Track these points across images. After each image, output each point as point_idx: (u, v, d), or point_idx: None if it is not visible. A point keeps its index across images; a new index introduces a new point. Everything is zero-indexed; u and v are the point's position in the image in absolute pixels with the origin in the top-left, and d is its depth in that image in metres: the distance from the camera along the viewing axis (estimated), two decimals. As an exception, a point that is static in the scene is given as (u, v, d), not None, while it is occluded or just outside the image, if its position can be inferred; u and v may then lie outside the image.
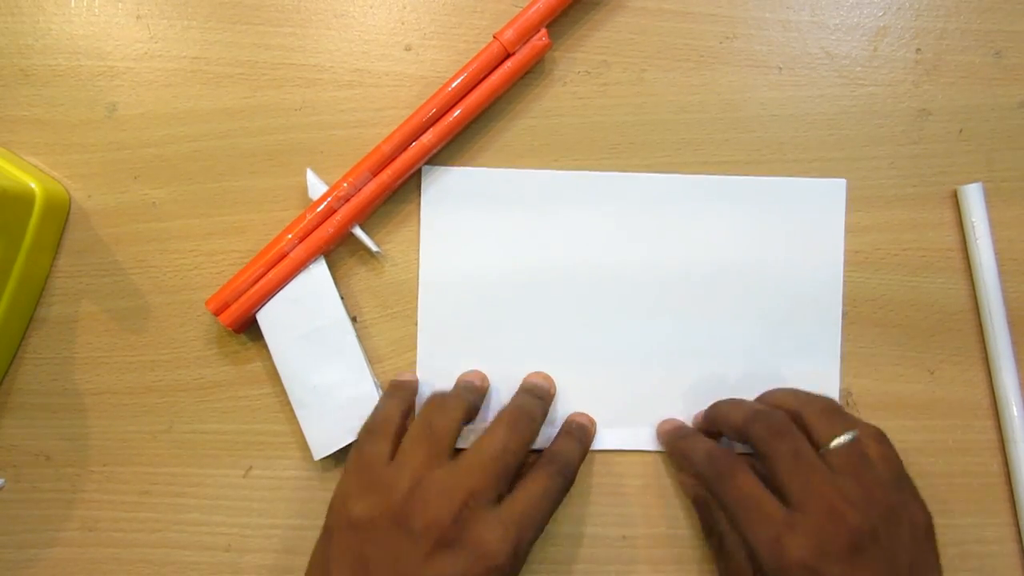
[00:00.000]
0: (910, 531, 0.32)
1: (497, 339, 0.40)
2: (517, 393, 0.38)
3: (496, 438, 0.34)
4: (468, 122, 0.38)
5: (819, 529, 0.31)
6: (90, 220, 0.40)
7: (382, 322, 0.40)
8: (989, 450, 0.40)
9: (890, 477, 0.33)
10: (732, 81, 0.40)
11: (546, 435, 0.38)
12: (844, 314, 0.40)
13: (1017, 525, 0.39)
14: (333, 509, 0.34)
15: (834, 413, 0.35)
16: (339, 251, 0.40)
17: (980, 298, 0.40)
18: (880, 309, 0.40)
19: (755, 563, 0.33)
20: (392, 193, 0.39)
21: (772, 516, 0.32)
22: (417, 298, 0.40)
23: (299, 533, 0.39)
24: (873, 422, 0.35)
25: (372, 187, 0.38)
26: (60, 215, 0.39)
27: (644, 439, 0.40)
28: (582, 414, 0.39)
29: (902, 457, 0.34)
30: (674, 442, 0.38)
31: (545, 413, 0.37)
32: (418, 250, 0.40)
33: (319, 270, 0.38)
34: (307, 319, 0.38)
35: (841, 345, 0.40)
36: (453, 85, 0.37)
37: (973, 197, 0.39)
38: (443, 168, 0.39)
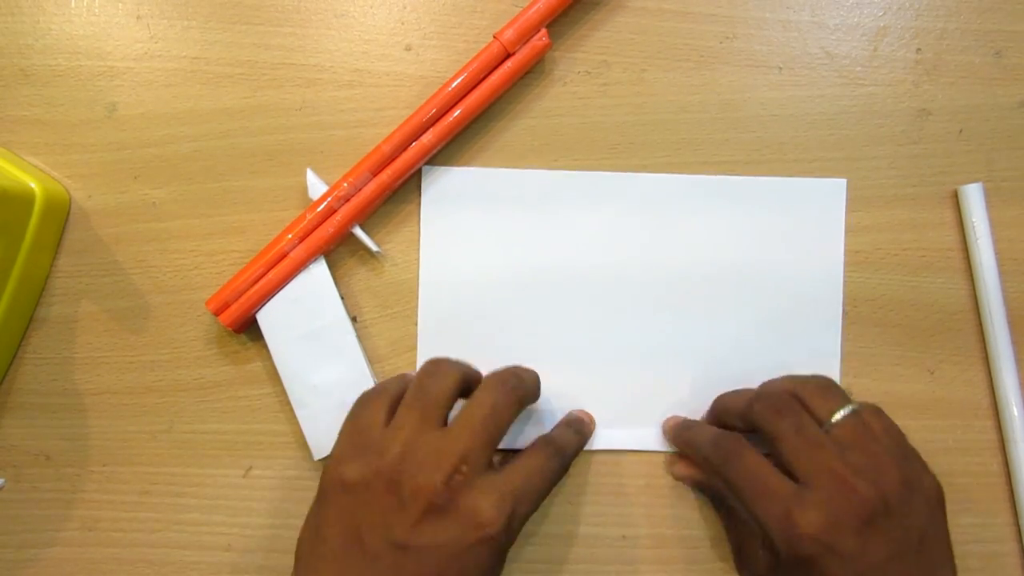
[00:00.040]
0: (923, 501, 0.32)
1: (497, 339, 0.40)
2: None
3: (484, 399, 0.34)
4: (468, 122, 0.38)
5: (829, 502, 0.31)
6: (90, 220, 0.40)
7: (382, 322, 0.40)
8: (989, 450, 0.40)
9: (896, 448, 0.33)
10: (732, 81, 0.40)
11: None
12: (844, 314, 0.40)
13: (1017, 525, 0.39)
14: (326, 472, 0.34)
15: (831, 389, 0.35)
16: (339, 251, 0.40)
17: (980, 298, 0.40)
18: (880, 309, 0.40)
19: (766, 541, 0.32)
20: (392, 193, 0.39)
21: (780, 492, 0.32)
22: (417, 298, 0.40)
23: (299, 533, 0.39)
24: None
25: (372, 187, 0.38)
26: (60, 215, 0.39)
27: (644, 439, 0.40)
28: (581, 411, 0.39)
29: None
30: (680, 433, 0.38)
31: (533, 381, 0.36)
32: (418, 250, 0.40)
33: (319, 270, 0.38)
34: (307, 319, 0.38)
35: (841, 345, 0.40)
36: (453, 85, 0.37)
37: (973, 197, 0.39)
38: (443, 168, 0.39)
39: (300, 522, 0.39)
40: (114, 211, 0.40)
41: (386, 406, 0.34)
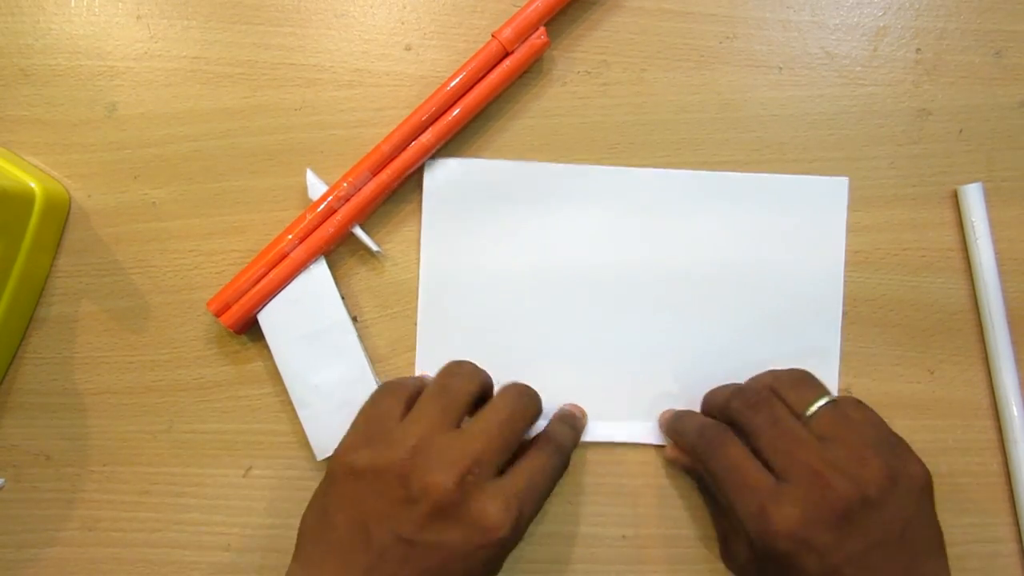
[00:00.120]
0: (907, 490, 0.31)
1: (497, 338, 0.40)
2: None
3: (503, 405, 0.34)
4: (467, 121, 0.38)
5: (804, 498, 0.31)
6: (90, 220, 0.40)
7: (382, 322, 0.40)
8: (989, 450, 0.40)
9: (878, 437, 0.32)
10: (732, 81, 0.40)
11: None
12: (844, 314, 0.40)
13: (1017, 525, 0.39)
14: (337, 455, 0.34)
15: (805, 381, 0.35)
16: (339, 251, 0.40)
17: (980, 298, 0.40)
18: (880, 309, 0.40)
19: (745, 534, 0.33)
20: (392, 193, 0.39)
21: (757, 487, 0.32)
22: (417, 298, 0.40)
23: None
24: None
25: (372, 187, 0.38)
26: (60, 215, 0.39)
27: (642, 433, 0.39)
28: (572, 404, 0.39)
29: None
30: (671, 423, 0.38)
31: (540, 401, 0.37)
32: (418, 250, 0.40)
33: (320, 270, 0.38)
34: (308, 319, 0.38)
35: (841, 345, 0.40)
36: (452, 84, 0.37)
37: (973, 197, 0.39)
38: (446, 160, 0.39)
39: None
40: (114, 211, 0.40)
41: (404, 400, 0.34)
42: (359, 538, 0.31)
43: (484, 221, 0.40)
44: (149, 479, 0.40)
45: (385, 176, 0.38)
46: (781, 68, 0.40)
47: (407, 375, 0.39)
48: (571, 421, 0.38)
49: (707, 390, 0.39)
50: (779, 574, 0.32)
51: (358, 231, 0.39)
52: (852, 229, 0.40)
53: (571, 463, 0.39)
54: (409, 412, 0.34)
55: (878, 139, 0.40)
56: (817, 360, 0.40)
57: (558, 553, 0.39)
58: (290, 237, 0.38)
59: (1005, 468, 0.40)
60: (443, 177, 0.39)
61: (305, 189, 0.39)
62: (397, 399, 0.34)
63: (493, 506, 0.31)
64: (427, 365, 0.40)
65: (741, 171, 0.40)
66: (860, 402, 0.34)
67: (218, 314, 0.38)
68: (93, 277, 0.40)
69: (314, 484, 0.36)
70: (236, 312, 0.38)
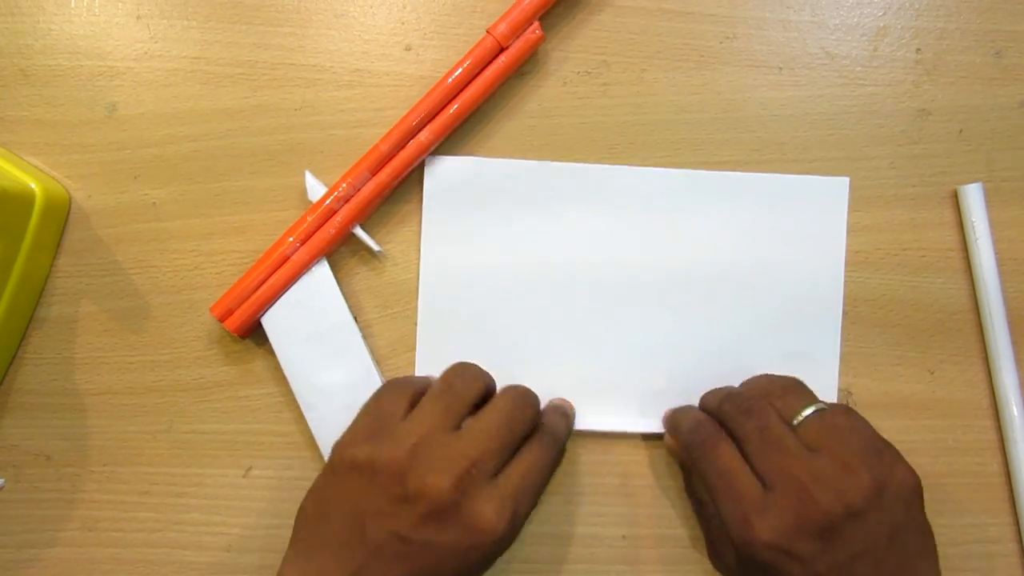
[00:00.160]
0: (895, 497, 0.31)
1: (496, 337, 0.40)
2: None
3: (503, 407, 0.34)
4: (465, 117, 0.38)
5: (788, 510, 0.31)
6: (90, 220, 0.40)
7: (382, 322, 0.40)
8: (989, 450, 0.40)
9: (865, 446, 0.32)
10: (732, 81, 0.40)
11: None
12: (844, 314, 0.40)
13: (1017, 525, 0.39)
14: (338, 447, 0.34)
15: (795, 389, 0.35)
16: (340, 251, 0.40)
17: (980, 298, 0.40)
18: (880, 309, 0.40)
19: (729, 539, 0.33)
20: (391, 192, 0.39)
21: (743, 494, 0.32)
22: (417, 298, 0.40)
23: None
24: (873, 422, 0.35)
25: (371, 187, 0.38)
26: (60, 215, 0.39)
27: (646, 424, 0.39)
28: (560, 399, 0.39)
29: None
30: (670, 416, 0.38)
31: (539, 403, 0.37)
32: (418, 249, 0.40)
33: (322, 272, 0.38)
34: (312, 321, 0.38)
35: (841, 345, 0.40)
36: (448, 81, 0.37)
37: (973, 197, 0.39)
38: (446, 158, 0.39)
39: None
40: (114, 211, 0.40)
41: (408, 398, 0.34)
42: (354, 533, 0.31)
43: (484, 220, 0.40)
44: (149, 479, 0.40)
45: (384, 175, 0.38)
46: (781, 68, 0.40)
47: (409, 374, 0.39)
48: (563, 409, 0.38)
49: (706, 388, 0.39)
50: None
51: (359, 231, 0.39)
52: (852, 229, 0.40)
53: (571, 463, 0.39)
54: (412, 411, 0.34)
55: (878, 139, 0.40)
56: (817, 360, 0.40)
57: (557, 553, 0.39)
58: (291, 239, 0.38)
59: (1005, 468, 0.40)
60: (443, 176, 0.39)
61: (305, 189, 0.39)
62: (401, 396, 0.34)
63: (488, 509, 0.31)
64: (427, 365, 0.40)
65: (741, 171, 0.40)
66: (849, 409, 0.34)
67: (222, 319, 0.38)
68: (93, 277, 0.40)
69: (314, 484, 0.36)
70: (240, 316, 0.38)
